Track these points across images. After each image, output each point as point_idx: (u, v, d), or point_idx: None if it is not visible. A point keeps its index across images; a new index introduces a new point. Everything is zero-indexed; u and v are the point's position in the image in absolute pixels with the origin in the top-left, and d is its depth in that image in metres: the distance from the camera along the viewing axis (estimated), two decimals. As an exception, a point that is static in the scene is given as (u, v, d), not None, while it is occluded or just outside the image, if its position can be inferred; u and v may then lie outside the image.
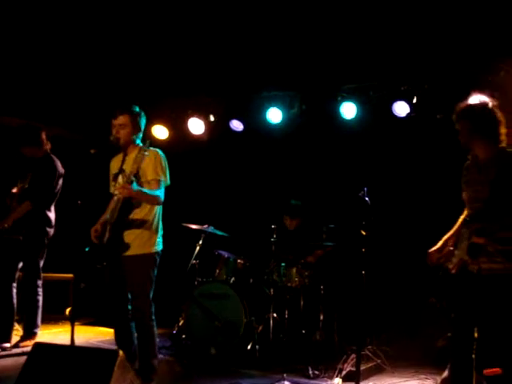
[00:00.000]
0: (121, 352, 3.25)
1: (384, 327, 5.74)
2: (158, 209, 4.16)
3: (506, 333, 3.35)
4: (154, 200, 4.02)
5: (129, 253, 4.00)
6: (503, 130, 3.49)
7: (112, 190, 4.26)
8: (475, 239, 3.37)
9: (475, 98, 3.53)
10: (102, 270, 4.16)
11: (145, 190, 3.95)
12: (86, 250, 3.99)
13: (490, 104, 3.52)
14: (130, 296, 4.06)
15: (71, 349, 3.57)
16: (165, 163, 4.13)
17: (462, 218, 3.72)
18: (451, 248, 3.62)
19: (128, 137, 4.12)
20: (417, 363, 5.13)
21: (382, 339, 5.54)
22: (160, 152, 4.15)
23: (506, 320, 3.34)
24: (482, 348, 3.42)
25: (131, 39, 6.55)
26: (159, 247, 4.15)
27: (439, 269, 3.64)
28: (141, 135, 4.25)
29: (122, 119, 4.10)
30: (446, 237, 3.74)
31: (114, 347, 4.08)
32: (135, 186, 3.82)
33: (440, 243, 3.73)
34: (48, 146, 5.47)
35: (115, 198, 4.08)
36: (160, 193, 4.02)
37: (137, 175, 3.99)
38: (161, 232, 4.19)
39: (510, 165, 3.32)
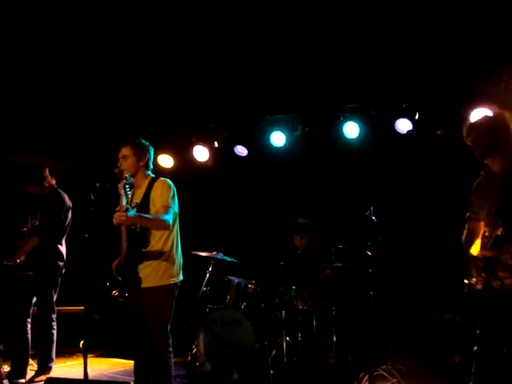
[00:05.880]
0: (132, 384, 3.26)
1: (398, 346, 5.67)
2: (175, 238, 4.11)
3: None
4: (159, 224, 3.91)
5: (146, 285, 3.97)
6: None
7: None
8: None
9: (484, 112, 3.42)
10: (117, 301, 4.17)
11: (145, 215, 3.87)
12: (108, 284, 4.00)
13: (505, 115, 3.44)
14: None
15: (83, 382, 3.58)
16: (173, 191, 4.10)
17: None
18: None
19: (132, 168, 4.11)
20: (433, 381, 5.05)
21: (397, 358, 5.48)
22: (168, 181, 4.16)
23: None
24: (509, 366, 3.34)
25: (133, 72, 6.67)
26: (178, 278, 4.09)
27: (464, 286, 3.59)
28: (150, 166, 4.25)
29: (124, 151, 4.14)
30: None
31: (129, 379, 4.08)
32: (131, 212, 3.72)
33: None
34: (53, 182, 5.48)
35: (122, 228, 4.11)
36: (167, 217, 3.91)
37: (147, 205, 4.03)
38: (179, 262, 4.13)
39: None
